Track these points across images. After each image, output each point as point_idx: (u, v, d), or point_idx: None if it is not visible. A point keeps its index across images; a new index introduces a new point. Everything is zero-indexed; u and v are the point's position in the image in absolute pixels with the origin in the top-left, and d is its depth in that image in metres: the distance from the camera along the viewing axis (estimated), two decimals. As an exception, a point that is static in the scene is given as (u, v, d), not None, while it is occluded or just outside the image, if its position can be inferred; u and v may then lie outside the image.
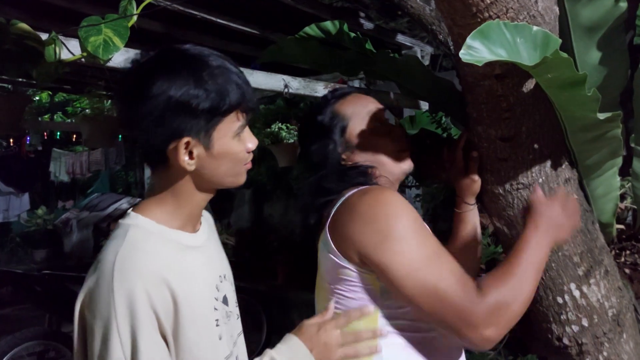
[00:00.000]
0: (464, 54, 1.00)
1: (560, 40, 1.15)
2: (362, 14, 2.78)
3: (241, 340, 1.08)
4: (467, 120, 1.34)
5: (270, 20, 2.73)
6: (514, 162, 1.30)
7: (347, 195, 1.15)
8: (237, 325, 1.07)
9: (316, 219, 1.21)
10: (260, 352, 1.01)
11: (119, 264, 0.84)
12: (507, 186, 1.32)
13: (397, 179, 1.28)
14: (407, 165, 1.27)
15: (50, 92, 5.57)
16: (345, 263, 1.10)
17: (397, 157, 1.25)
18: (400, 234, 1.05)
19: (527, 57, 1.09)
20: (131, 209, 0.97)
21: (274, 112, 2.61)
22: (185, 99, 0.87)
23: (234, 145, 0.94)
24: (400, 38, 3.07)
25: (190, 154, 0.91)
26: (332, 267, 1.13)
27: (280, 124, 2.48)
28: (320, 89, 2.50)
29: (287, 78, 2.35)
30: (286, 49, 1.43)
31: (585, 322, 1.37)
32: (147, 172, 5.71)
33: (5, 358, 3.02)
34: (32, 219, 6.36)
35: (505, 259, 1.13)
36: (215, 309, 0.97)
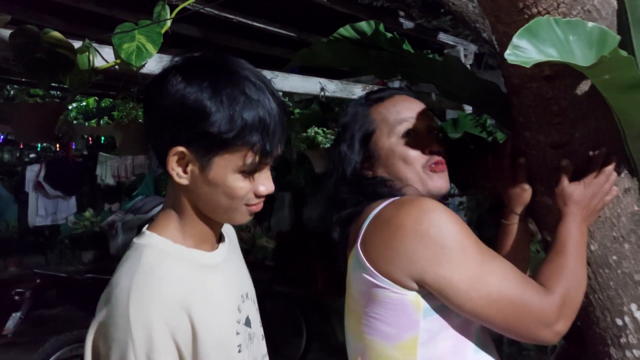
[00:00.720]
0: (509, 55, 0.91)
1: (619, 37, 1.03)
2: (401, 13, 2.69)
3: None
4: (513, 125, 1.24)
5: (307, 23, 2.68)
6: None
7: (378, 209, 1.05)
8: (261, 347, 1.01)
9: (340, 234, 1.12)
10: (301, 359, 0.96)
11: (135, 291, 0.79)
12: (559, 197, 1.21)
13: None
14: (437, 187, 1.13)
15: (96, 98, 5.71)
16: (384, 283, 1.00)
17: (426, 179, 1.13)
18: (456, 244, 0.96)
19: (581, 56, 0.99)
20: (146, 226, 0.91)
21: (309, 117, 2.55)
22: (192, 107, 0.81)
23: (235, 180, 0.85)
24: (443, 37, 2.96)
25: (186, 165, 0.84)
26: (366, 288, 1.03)
27: (316, 128, 2.42)
28: (358, 92, 2.43)
29: (324, 81, 2.29)
30: (318, 51, 1.37)
31: (647, 347, 1.24)
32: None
33: (50, 360, 3.08)
34: (79, 221, 6.54)
35: (552, 252, 1.10)
36: (237, 333, 0.91)
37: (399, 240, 0.98)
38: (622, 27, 1.18)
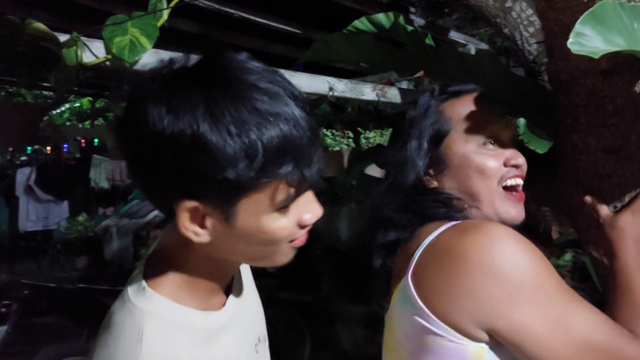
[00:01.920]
0: (572, 44, 0.76)
1: (689, 25, 0.90)
2: (412, 10, 2.55)
3: None
4: (557, 127, 1.09)
5: (313, 19, 2.54)
6: (620, 179, 1.04)
7: (435, 234, 0.85)
8: None
9: (382, 261, 0.94)
10: None
11: None
12: (610, 208, 1.07)
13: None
14: (510, 216, 0.93)
15: (91, 98, 5.55)
16: (440, 330, 0.80)
17: (497, 201, 0.93)
18: (536, 282, 0.76)
19: (644, 47, 0.85)
20: (145, 283, 0.69)
21: (320, 117, 2.39)
22: (190, 147, 0.57)
23: (270, 222, 0.64)
24: (454, 35, 2.83)
25: (203, 218, 0.63)
26: (416, 333, 0.84)
27: (325, 129, 2.27)
28: (367, 92, 2.29)
29: (332, 80, 2.15)
30: (334, 45, 1.22)
31: None
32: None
33: (40, 374, 2.93)
34: (73, 226, 6.37)
35: (617, 293, 0.90)
36: None
37: (464, 276, 0.77)
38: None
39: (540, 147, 1.09)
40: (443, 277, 0.80)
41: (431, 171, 0.97)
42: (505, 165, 0.94)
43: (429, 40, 1.31)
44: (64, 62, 1.44)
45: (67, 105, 6.10)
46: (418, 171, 0.95)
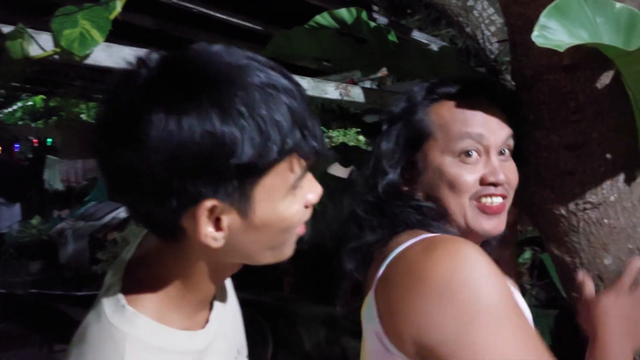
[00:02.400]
0: (537, 37, 0.75)
1: (650, 21, 0.90)
2: (375, 8, 2.55)
3: None
4: (521, 125, 1.09)
5: (274, 15, 2.50)
6: (581, 176, 1.04)
7: (404, 246, 0.79)
8: None
9: (353, 266, 0.88)
10: None
11: None
12: (572, 206, 1.07)
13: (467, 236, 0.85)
14: (488, 226, 0.87)
15: (44, 97, 5.34)
16: (392, 352, 0.74)
17: (469, 216, 0.87)
18: (492, 317, 0.69)
19: (608, 41, 0.84)
20: (124, 299, 0.64)
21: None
22: (206, 146, 0.54)
23: (285, 207, 0.63)
24: (417, 35, 2.83)
25: (218, 221, 0.60)
26: (377, 351, 0.78)
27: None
28: (331, 90, 2.26)
29: (295, 78, 2.11)
30: (295, 40, 1.18)
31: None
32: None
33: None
34: (26, 229, 6.14)
35: None
36: None
37: (418, 297, 0.72)
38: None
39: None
40: (401, 296, 0.74)
41: (405, 175, 0.91)
42: (481, 182, 0.87)
43: (392, 37, 1.29)
44: (9, 55, 1.37)
45: (20, 104, 5.86)
46: (391, 173, 0.90)
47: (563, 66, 0.94)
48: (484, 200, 0.87)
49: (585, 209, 1.07)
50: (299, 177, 0.62)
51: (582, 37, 0.78)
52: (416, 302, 0.72)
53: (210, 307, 0.74)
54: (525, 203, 1.14)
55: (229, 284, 0.85)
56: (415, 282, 0.73)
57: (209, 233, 0.59)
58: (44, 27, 1.49)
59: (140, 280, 0.65)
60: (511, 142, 0.92)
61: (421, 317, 0.71)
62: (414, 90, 0.95)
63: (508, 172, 0.89)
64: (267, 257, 0.67)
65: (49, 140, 5.70)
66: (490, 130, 0.87)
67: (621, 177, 1.07)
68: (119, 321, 0.61)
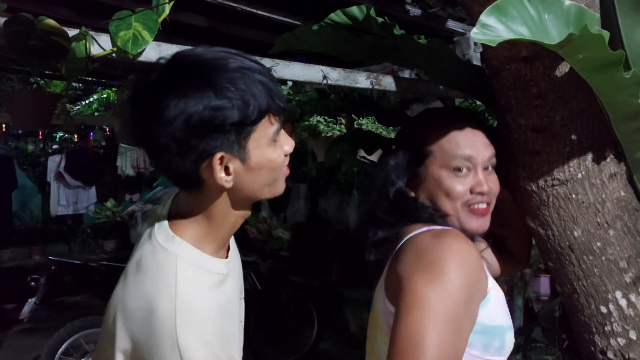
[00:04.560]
0: (476, 34, 0.89)
1: (597, 16, 1.01)
2: (408, 0, 2.65)
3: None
4: (495, 109, 1.22)
5: (314, 11, 2.67)
6: (548, 156, 1.16)
7: (414, 233, 1.02)
8: (242, 330, 1.04)
9: (375, 257, 1.09)
10: (312, 347, 1.00)
11: (180, 315, 0.80)
12: (541, 182, 1.19)
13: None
14: (472, 228, 1.06)
15: (115, 88, 5.79)
16: (391, 310, 0.96)
17: (462, 218, 1.07)
18: (449, 306, 0.87)
19: (557, 36, 0.97)
20: (167, 224, 0.89)
21: (308, 104, 2.53)
22: (208, 115, 0.78)
23: (270, 152, 0.87)
24: (451, 24, 2.90)
25: (227, 169, 0.84)
26: (382, 313, 1.01)
27: (318, 117, 2.40)
28: (362, 80, 2.40)
29: (326, 69, 2.27)
30: (301, 36, 1.36)
31: (633, 335, 1.21)
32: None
33: (64, 345, 3.16)
34: (101, 211, 6.67)
35: None
36: (239, 332, 0.97)
37: (410, 266, 0.94)
38: (607, 6, 1.15)
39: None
40: (404, 265, 0.96)
41: (411, 184, 1.11)
42: (470, 191, 1.06)
43: (397, 31, 1.44)
44: (74, 54, 1.62)
45: (95, 97, 6.37)
46: (398, 188, 1.10)
47: (522, 57, 1.07)
48: (473, 205, 1.06)
49: (553, 185, 1.19)
50: (277, 130, 0.87)
51: (520, 32, 0.91)
52: (409, 269, 0.94)
53: (228, 249, 0.99)
54: (503, 180, 1.27)
55: (233, 242, 1.07)
56: (415, 258, 0.95)
57: (222, 177, 0.83)
58: (105, 29, 1.74)
59: (181, 223, 0.89)
60: (494, 160, 1.10)
61: (403, 273, 0.94)
62: (411, 118, 1.19)
63: (491, 184, 1.08)
64: (266, 193, 0.91)
65: (119, 129, 6.19)
66: (478, 150, 1.06)
67: (589, 156, 1.18)
68: (170, 246, 0.86)
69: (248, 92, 0.81)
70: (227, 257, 0.96)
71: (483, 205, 1.07)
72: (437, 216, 1.06)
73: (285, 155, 0.91)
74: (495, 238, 1.32)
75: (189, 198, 0.90)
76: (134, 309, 0.83)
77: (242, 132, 0.82)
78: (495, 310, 1.00)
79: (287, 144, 0.91)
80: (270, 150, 0.87)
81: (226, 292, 0.91)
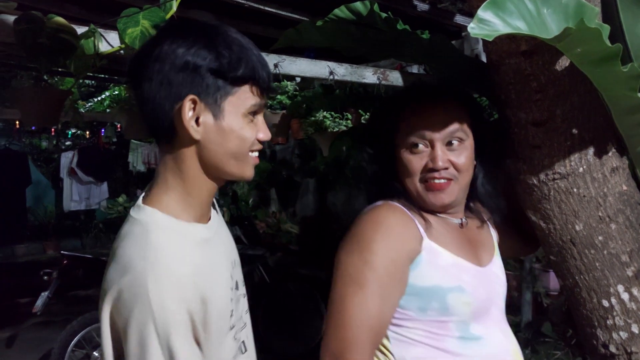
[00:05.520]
0: (472, 28, 0.90)
1: (597, 10, 1.01)
2: (415, -6, 2.65)
3: (247, 316, 1.07)
4: (495, 103, 1.22)
5: (320, 7, 2.67)
6: (549, 150, 1.17)
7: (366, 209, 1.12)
8: (244, 304, 1.05)
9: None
10: (320, 340, 1.04)
11: (152, 272, 0.81)
12: (542, 176, 1.19)
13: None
14: (431, 202, 1.11)
15: (123, 86, 5.84)
16: None
17: (422, 194, 1.11)
18: (365, 266, 1.01)
19: (556, 30, 0.97)
20: (141, 199, 0.92)
21: (314, 99, 2.54)
22: (193, 58, 0.85)
23: (244, 125, 0.90)
24: (459, 19, 2.90)
25: (197, 121, 0.87)
26: None
27: (324, 112, 2.41)
28: (369, 75, 2.40)
29: (333, 64, 2.28)
30: (304, 32, 1.37)
31: (635, 329, 1.21)
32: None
33: (76, 337, 3.21)
34: (113, 206, 6.74)
35: None
36: (231, 299, 0.96)
37: (342, 242, 1.08)
38: (608, 0, 1.15)
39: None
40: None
41: (391, 164, 1.17)
42: (425, 167, 1.10)
43: (400, 26, 1.44)
44: (82, 51, 1.64)
45: (107, 93, 6.42)
46: (376, 165, 1.19)
47: (521, 52, 1.07)
48: (430, 180, 1.10)
49: (554, 179, 1.19)
50: (256, 105, 0.90)
51: (517, 27, 0.91)
52: (342, 242, 1.07)
53: (209, 218, 0.99)
54: (505, 173, 1.28)
55: (220, 218, 1.09)
56: (349, 230, 1.08)
57: (191, 122, 0.86)
58: (113, 26, 1.76)
59: (154, 192, 0.92)
60: (459, 134, 1.10)
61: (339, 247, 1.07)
62: (386, 99, 1.26)
63: (454, 158, 1.10)
64: (232, 167, 0.92)
65: (131, 125, 6.22)
66: (433, 126, 1.09)
67: (590, 150, 1.18)
68: (141, 216, 0.88)
69: (236, 55, 0.86)
70: (208, 221, 0.97)
71: (442, 181, 1.10)
72: (391, 193, 1.13)
73: (258, 141, 0.93)
74: (512, 218, 1.35)
75: (163, 157, 0.92)
76: (112, 279, 0.84)
77: (220, 85, 0.86)
78: (428, 272, 1.05)
79: (263, 132, 0.94)
80: (244, 122, 0.90)
81: (207, 257, 0.91)
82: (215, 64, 0.85)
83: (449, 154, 1.10)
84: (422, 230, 1.07)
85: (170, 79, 0.85)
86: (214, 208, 1.07)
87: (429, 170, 1.09)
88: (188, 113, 0.86)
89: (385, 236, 1.03)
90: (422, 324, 1.05)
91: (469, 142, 1.12)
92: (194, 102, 0.86)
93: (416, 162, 1.10)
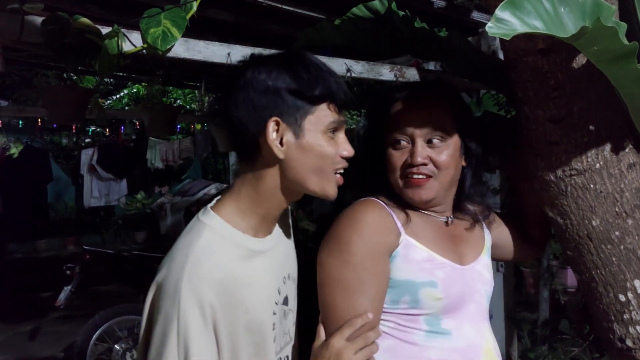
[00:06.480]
0: (490, 28, 0.92)
1: (614, 8, 1.02)
2: (431, -8, 2.65)
3: (293, 330, 1.11)
4: (513, 100, 1.24)
5: (337, 5, 2.70)
6: (566, 146, 1.18)
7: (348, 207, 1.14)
8: (292, 318, 1.09)
9: None
10: None
11: (189, 268, 0.87)
12: (559, 172, 1.21)
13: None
14: (411, 198, 1.13)
15: (145, 83, 5.92)
16: None
17: (404, 187, 1.14)
18: (340, 261, 1.04)
19: (573, 28, 0.98)
20: (210, 205, 0.99)
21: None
22: (274, 82, 0.92)
23: (325, 141, 0.95)
24: (477, 15, 2.90)
25: (281, 140, 0.93)
26: None
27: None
28: (385, 72, 2.42)
29: (350, 62, 2.30)
30: (322, 31, 1.40)
31: (652, 324, 1.22)
32: (232, 159, 5.90)
33: (98, 331, 3.29)
34: (132, 203, 6.86)
35: None
36: (274, 313, 1.00)
37: (322, 241, 1.09)
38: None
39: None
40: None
41: (381, 159, 1.19)
42: (404, 164, 1.13)
43: (417, 24, 1.46)
44: (106, 50, 1.69)
45: (126, 91, 6.53)
46: (366, 159, 1.20)
47: (538, 50, 1.08)
48: (409, 176, 1.13)
49: (571, 175, 1.20)
50: (335, 122, 0.96)
51: (534, 26, 0.93)
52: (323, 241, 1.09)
53: (269, 232, 1.04)
54: (522, 169, 1.30)
55: (288, 224, 1.16)
56: (330, 229, 1.10)
57: (275, 142, 0.92)
58: (136, 27, 1.80)
59: (221, 201, 1.00)
60: (443, 132, 1.13)
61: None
62: (383, 94, 1.26)
63: (434, 156, 1.12)
64: (313, 182, 0.96)
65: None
66: (415, 124, 1.12)
67: (607, 146, 1.19)
68: (204, 218, 0.96)
69: (314, 77, 0.93)
70: (267, 235, 1.02)
71: (420, 177, 1.13)
72: (376, 189, 1.16)
73: (342, 157, 0.97)
74: (516, 221, 1.37)
75: (243, 170, 0.99)
76: (160, 268, 0.91)
77: (300, 105, 0.92)
78: (403, 266, 1.08)
79: (346, 149, 0.98)
80: (324, 138, 0.95)
81: (252, 269, 0.95)
82: (294, 85, 0.92)
83: (430, 150, 1.12)
84: (399, 225, 1.10)
85: (254, 104, 0.92)
86: (285, 223, 1.13)
87: (408, 165, 1.12)
88: (272, 134, 0.92)
89: (362, 234, 1.05)
90: (394, 316, 1.08)
91: (452, 140, 1.14)
92: (277, 123, 0.93)
93: (398, 157, 1.14)
